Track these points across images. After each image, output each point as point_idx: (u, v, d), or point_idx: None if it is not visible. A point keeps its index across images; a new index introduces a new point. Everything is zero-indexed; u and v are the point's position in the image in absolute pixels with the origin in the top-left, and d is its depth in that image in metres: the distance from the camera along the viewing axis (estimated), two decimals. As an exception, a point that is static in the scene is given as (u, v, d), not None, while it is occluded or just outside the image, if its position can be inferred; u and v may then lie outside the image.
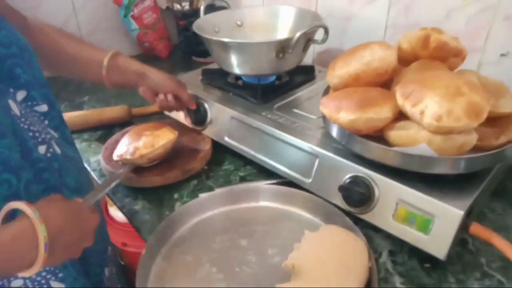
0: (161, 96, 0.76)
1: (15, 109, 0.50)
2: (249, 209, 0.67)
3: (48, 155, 0.53)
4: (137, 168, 0.73)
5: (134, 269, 0.54)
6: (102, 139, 0.88)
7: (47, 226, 0.42)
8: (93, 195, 0.56)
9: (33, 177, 0.50)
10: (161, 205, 0.70)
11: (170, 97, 0.76)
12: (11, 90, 0.51)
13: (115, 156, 0.74)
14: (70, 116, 0.91)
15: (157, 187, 0.73)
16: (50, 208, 0.44)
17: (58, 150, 0.55)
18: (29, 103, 0.54)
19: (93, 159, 0.82)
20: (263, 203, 0.68)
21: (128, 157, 0.71)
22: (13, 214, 0.43)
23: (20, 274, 0.43)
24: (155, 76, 0.75)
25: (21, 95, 0.53)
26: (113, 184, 0.65)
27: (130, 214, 0.69)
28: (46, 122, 0.56)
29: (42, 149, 0.52)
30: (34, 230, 0.41)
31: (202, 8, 0.93)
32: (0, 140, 0.46)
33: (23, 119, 0.51)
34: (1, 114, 0.47)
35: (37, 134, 0.52)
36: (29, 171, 0.49)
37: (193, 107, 0.80)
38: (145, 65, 0.75)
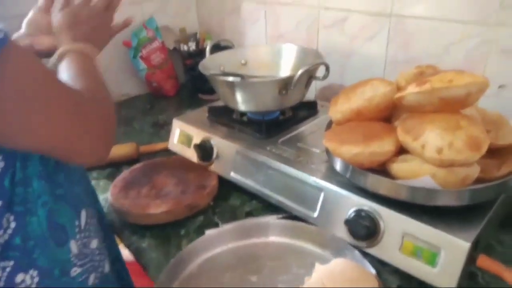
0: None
1: None
2: (257, 244, 0.67)
3: None
4: (144, 206, 0.74)
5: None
6: (111, 177, 0.89)
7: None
8: None
9: None
10: (168, 242, 0.70)
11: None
12: None
13: None
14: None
15: (163, 224, 0.73)
16: None
17: None
18: None
19: (101, 197, 0.83)
20: (271, 238, 0.68)
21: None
22: None
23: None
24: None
25: None
26: None
27: (137, 252, 0.69)
28: None
29: None
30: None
31: (208, 48, 0.97)
32: None
33: None
34: None
35: None
36: None
37: None
38: None
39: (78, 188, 0.56)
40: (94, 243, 0.57)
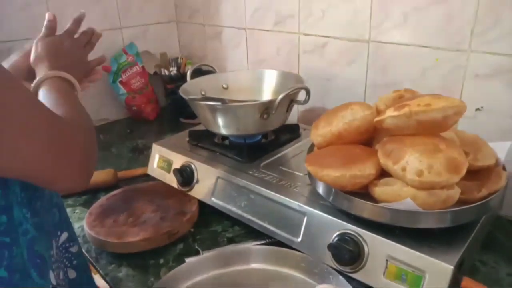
0: None
1: None
2: (240, 272, 0.65)
3: None
4: (121, 234, 0.72)
5: None
6: (87, 204, 0.86)
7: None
8: None
9: None
10: (146, 272, 0.68)
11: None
12: None
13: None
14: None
15: (141, 252, 0.71)
16: None
17: None
18: None
19: (77, 225, 0.80)
20: (254, 265, 0.66)
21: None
22: None
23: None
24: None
25: None
26: None
27: (113, 282, 0.66)
28: None
29: None
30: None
31: (189, 73, 0.97)
32: None
33: None
34: None
35: None
36: None
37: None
38: None
39: (50, 217, 0.54)
40: (61, 274, 0.55)
